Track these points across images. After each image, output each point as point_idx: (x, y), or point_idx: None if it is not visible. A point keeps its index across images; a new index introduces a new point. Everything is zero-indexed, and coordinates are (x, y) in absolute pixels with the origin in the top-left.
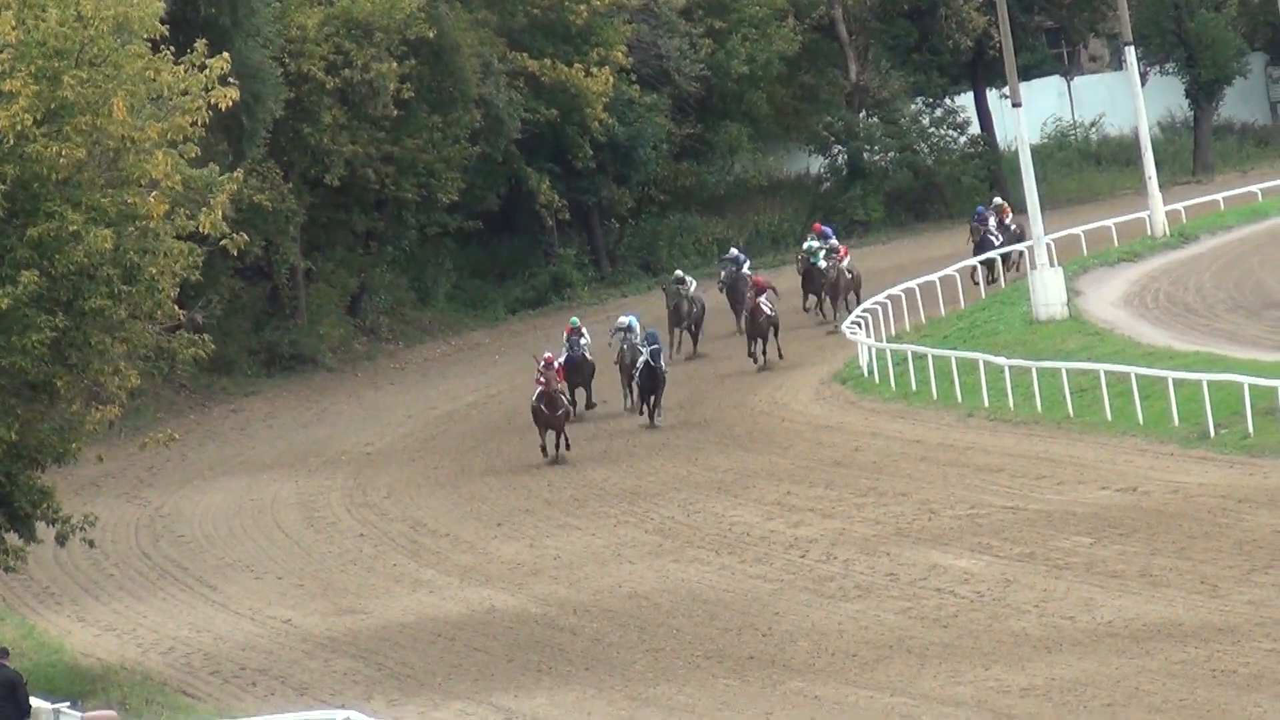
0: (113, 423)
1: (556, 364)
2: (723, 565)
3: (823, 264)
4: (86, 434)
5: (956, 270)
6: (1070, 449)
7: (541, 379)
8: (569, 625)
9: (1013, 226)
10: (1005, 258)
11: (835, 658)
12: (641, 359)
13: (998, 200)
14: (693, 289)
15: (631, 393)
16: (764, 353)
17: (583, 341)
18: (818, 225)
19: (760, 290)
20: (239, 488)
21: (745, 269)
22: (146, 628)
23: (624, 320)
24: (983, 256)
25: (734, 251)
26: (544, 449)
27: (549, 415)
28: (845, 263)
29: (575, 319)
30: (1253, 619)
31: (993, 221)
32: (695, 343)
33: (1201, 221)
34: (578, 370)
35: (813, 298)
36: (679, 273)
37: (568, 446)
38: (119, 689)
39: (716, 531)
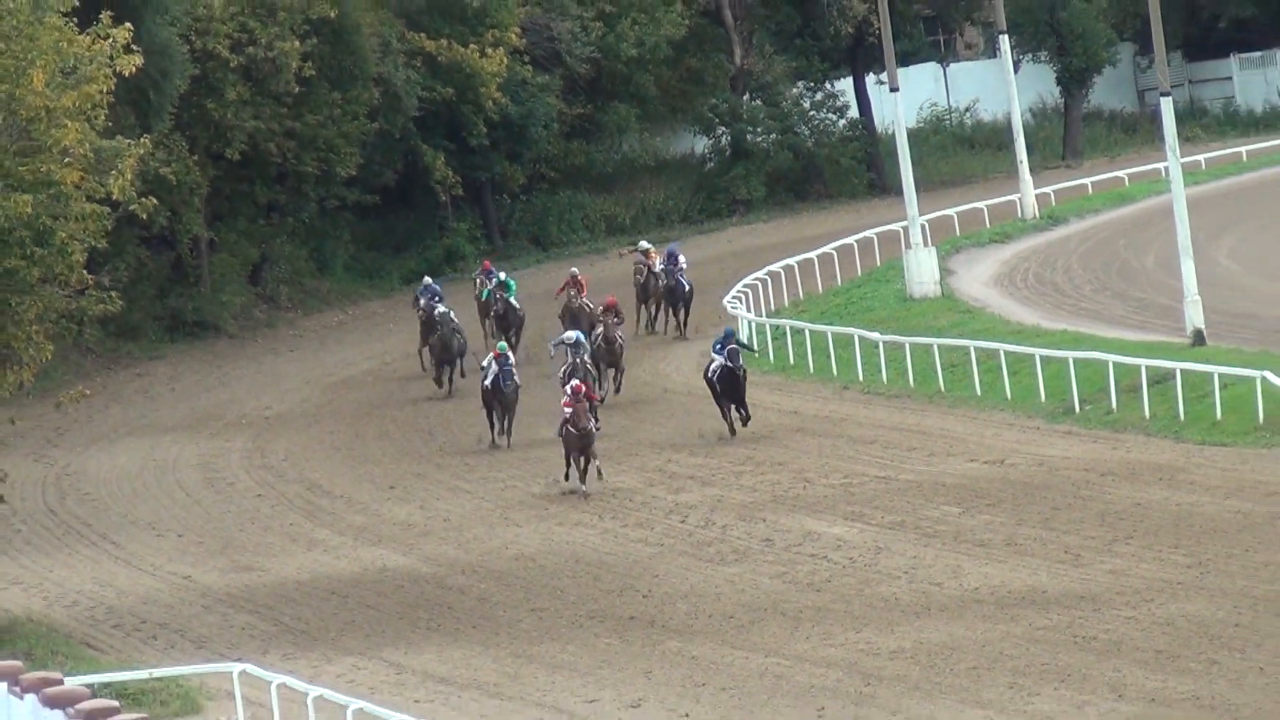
0: (23, 386)
1: (583, 390)
2: (605, 529)
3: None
4: (5, 391)
5: (834, 248)
6: (941, 422)
7: (570, 403)
8: (458, 584)
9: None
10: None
11: (712, 619)
12: (718, 362)
13: (644, 244)
14: (657, 264)
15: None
16: (583, 478)
17: (512, 366)
18: (487, 263)
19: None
20: (143, 448)
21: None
22: (52, 582)
23: (571, 335)
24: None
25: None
26: (567, 476)
27: (579, 440)
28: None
29: (503, 344)
30: (1113, 587)
31: (657, 262)
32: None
33: (1070, 205)
34: (504, 397)
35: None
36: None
37: (600, 476)
38: (25, 640)
39: (600, 496)
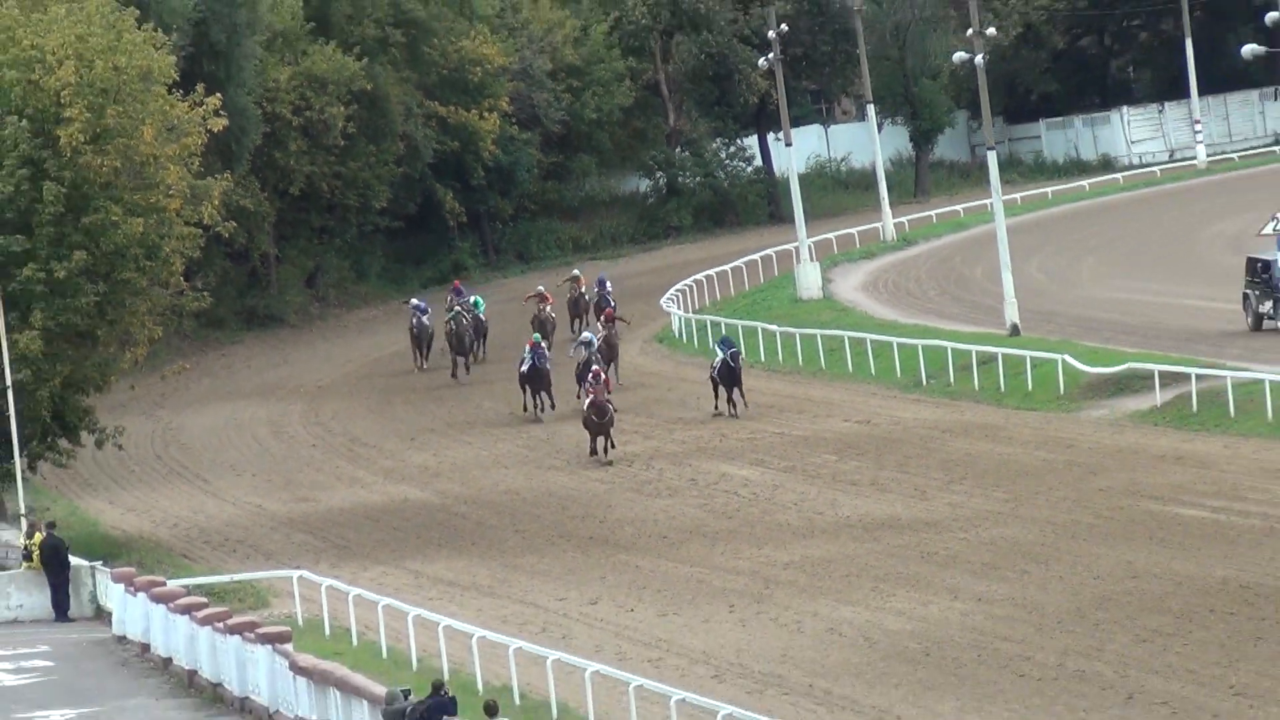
0: (138, 362)
1: (602, 376)
2: (571, 472)
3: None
4: (119, 370)
5: (743, 263)
6: (822, 392)
7: (592, 389)
8: (461, 512)
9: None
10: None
11: (651, 539)
12: (720, 359)
13: (575, 272)
14: (583, 287)
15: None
16: (605, 448)
17: (545, 353)
18: (457, 282)
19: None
20: (226, 410)
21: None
22: (158, 509)
23: (587, 336)
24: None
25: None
26: (593, 450)
27: (599, 422)
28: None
29: (537, 335)
30: (950, 516)
31: (583, 285)
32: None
33: (919, 231)
34: (540, 378)
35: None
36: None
37: (613, 445)
38: (137, 553)
39: (567, 448)
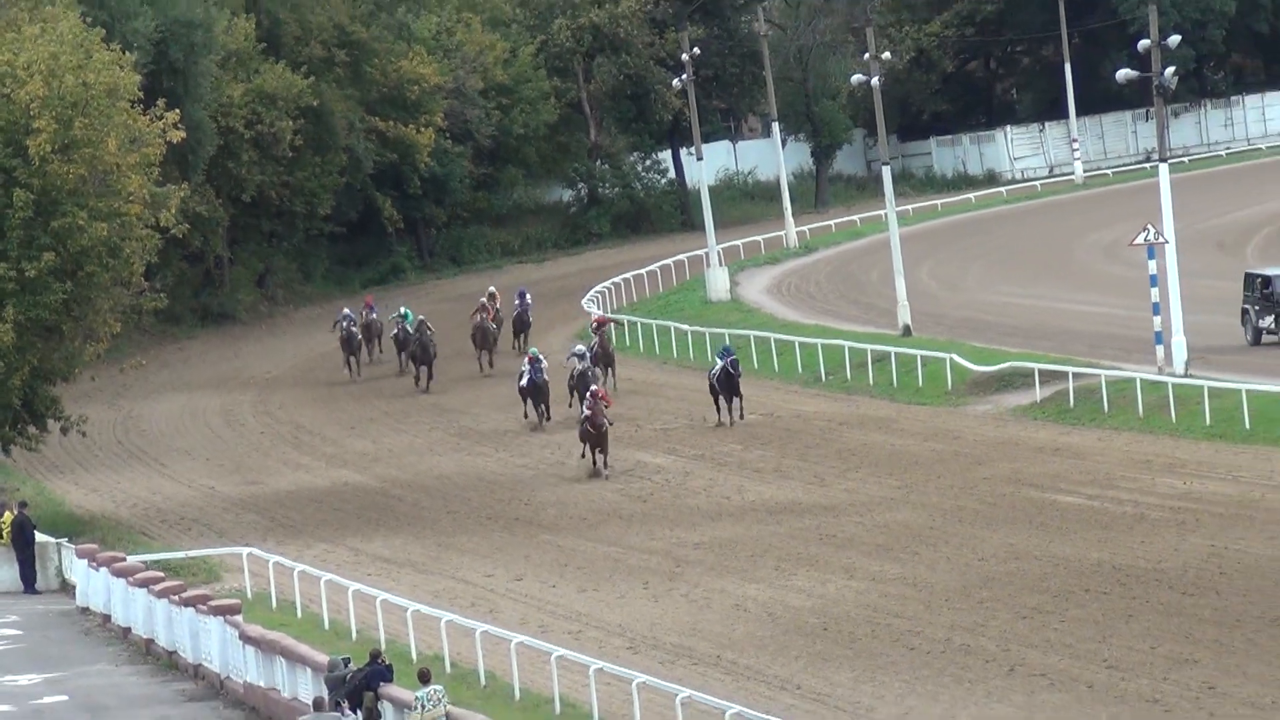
0: (100, 355)
1: (600, 393)
2: (499, 458)
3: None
4: (83, 362)
5: (657, 267)
6: (795, 400)
7: (591, 407)
8: (397, 495)
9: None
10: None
11: (572, 520)
12: (719, 366)
13: (492, 289)
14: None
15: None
16: (604, 464)
17: (543, 367)
18: (369, 299)
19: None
20: (181, 399)
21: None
22: (119, 490)
23: (580, 348)
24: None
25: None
26: (592, 464)
27: (595, 435)
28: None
29: (534, 349)
30: (847, 501)
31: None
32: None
33: (819, 239)
34: (539, 391)
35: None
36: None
37: (607, 465)
38: (100, 530)
39: (495, 436)
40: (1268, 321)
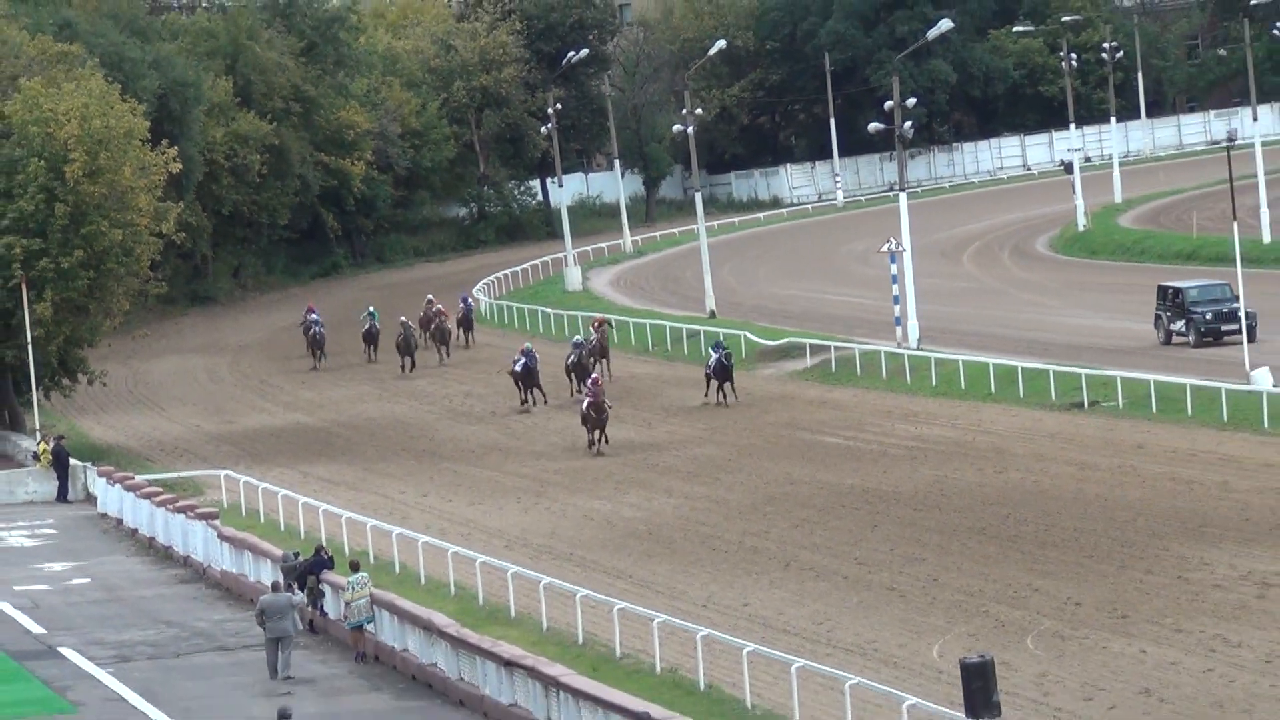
0: (115, 327)
1: (599, 381)
2: (410, 405)
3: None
4: (103, 332)
5: (529, 265)
6: (629, 365)
7: (591, 392)
8: (337, 433)
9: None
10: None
11: (464, 452)
12: (715, 357)
13: (430, 297)
14: (317, 321)
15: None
16: (604, 442)
17: (535, 354)
18: (311, 305)
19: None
20: (176, 360)
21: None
22: (129, 427)
23: (579, 339)
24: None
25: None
26: (591, 444)
27: (596, 418)
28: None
29: (529, 344)
30: (668, 440)
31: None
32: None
33: (649, 245)
34: (532, 376)
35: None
36: (430, 296)
37: (606, 441)
38: (115, 456)
39: (409, 391)
40: (1178, 325)
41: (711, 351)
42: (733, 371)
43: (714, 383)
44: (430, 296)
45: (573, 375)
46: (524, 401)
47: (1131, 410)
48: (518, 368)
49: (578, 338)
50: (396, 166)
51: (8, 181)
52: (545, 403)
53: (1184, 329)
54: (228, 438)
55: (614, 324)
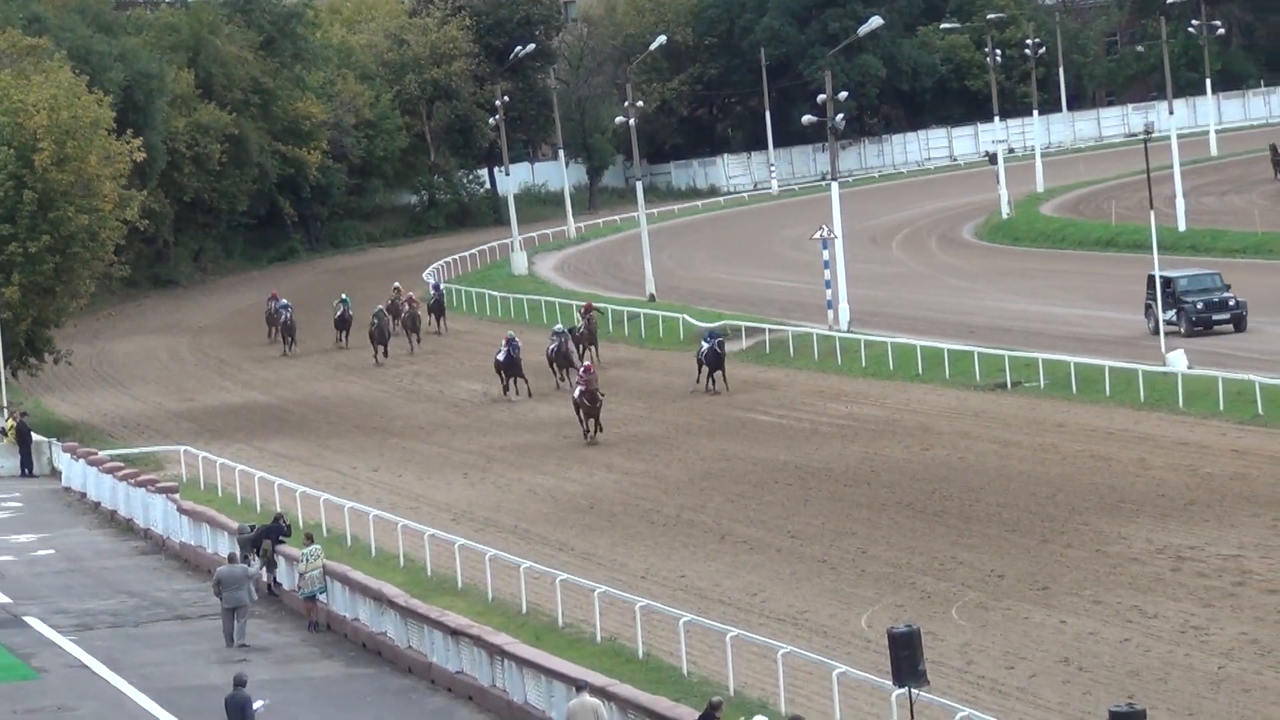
0: (81, 308)
1: (594, 369)
2: (364, 385)
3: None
4: (69, 313)
5: (478, 250)
6: (527, 336)
7: (583, 381)
8: (292, 409)
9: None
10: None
11: (413, 429)
12: (704, 349)
13: (396, 284)
14: (287, 308)
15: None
16: (598, 430)
17: (518, 344)
18: (275, 291)
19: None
20: (139, 340)
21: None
22: (93, 404)
23: (559, 328)
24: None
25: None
26: (585, 433)
27: (590, 406)
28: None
29: (512, 332)
30: (608, 418)
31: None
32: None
33: (592, 232)
34: (515, 365)
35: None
36: (396, 284)
37: (600, 429)
38: (79, 432)
39: (361, 369)
40: (1169, 314)
41: (704, 341)
42: (724, 360)
43: (705, 370)
44: (397, 285)
45: (554, 364)
46: (505, 390)
47: (1053, 390)
48: (500, 356)
49: (559, 326)
50: (351, 156)
51: None
52: (529, 394)
53: (1175, 318)
54: (187, 415)
55: (605, 311)
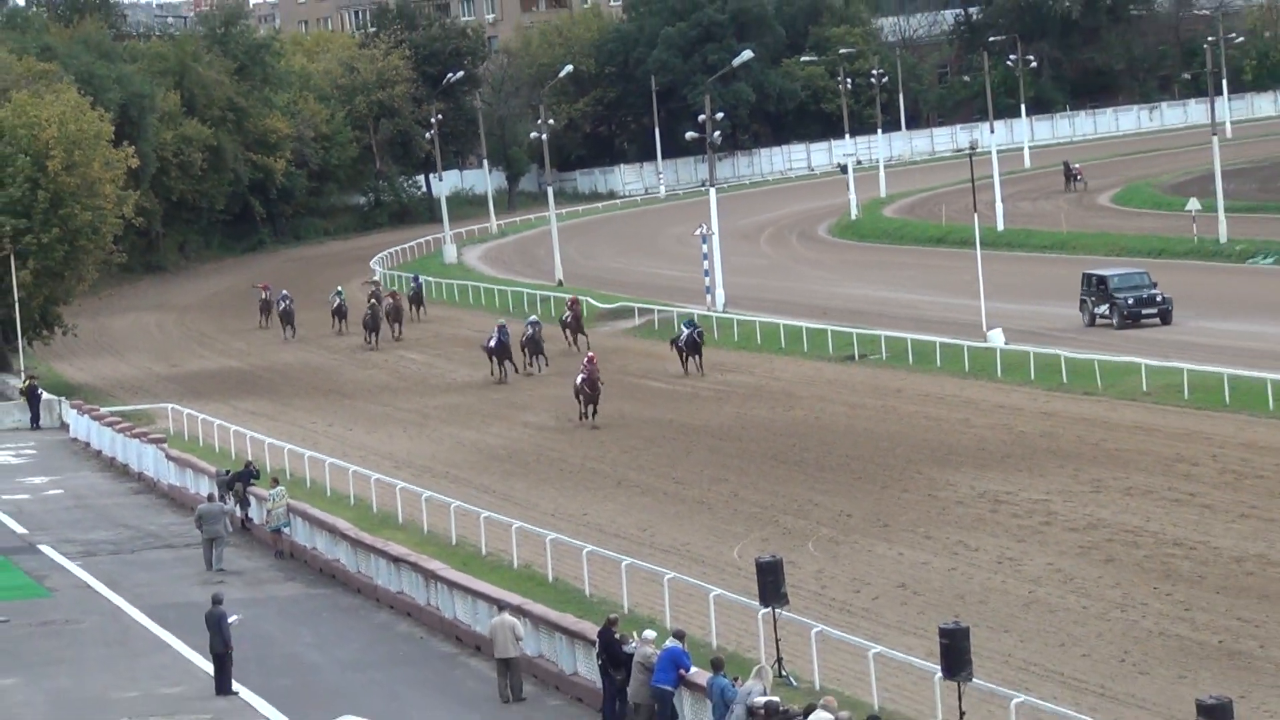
0: (85, 290)
1: (595, 359)
2: (323, 355)
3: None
4: (75, 294)
5: (417, 242)
6: (458, 315)
7: (585, 370)
8: (260, 374)
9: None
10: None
11: (362, 391)
12: (684, 335)
13: (375, 277)
14: (287, 297)
15: (526, 360)
16: (593, 415)
17: (508, 331)
18: (265, 284)
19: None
20: (132, 317)
21: (420, 282)
22: (95, 370)
23: (533, 318)
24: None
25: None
26: (582, 416)
27: (590, 394)
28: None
29: (502, 321)
30: (525, 384)
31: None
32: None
33: (511, 228)
34: (505, 351)
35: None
36: (375, 277)
37: (595, 413)
38: (84, 392)
39: (317, 340)
40: (1102, 309)
41: (684, 328)
42: (701, 347)
43: (685, 355)
44: (376, 279)
45: (526, 350)
46: (493, 373)
47: (893, 362)
48: (491, 344)
49: (533, 316)
50: (310, 163)
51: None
52: (516, 371)
53: (1108, 312)
54: (173, 378)
55: (582, 303)
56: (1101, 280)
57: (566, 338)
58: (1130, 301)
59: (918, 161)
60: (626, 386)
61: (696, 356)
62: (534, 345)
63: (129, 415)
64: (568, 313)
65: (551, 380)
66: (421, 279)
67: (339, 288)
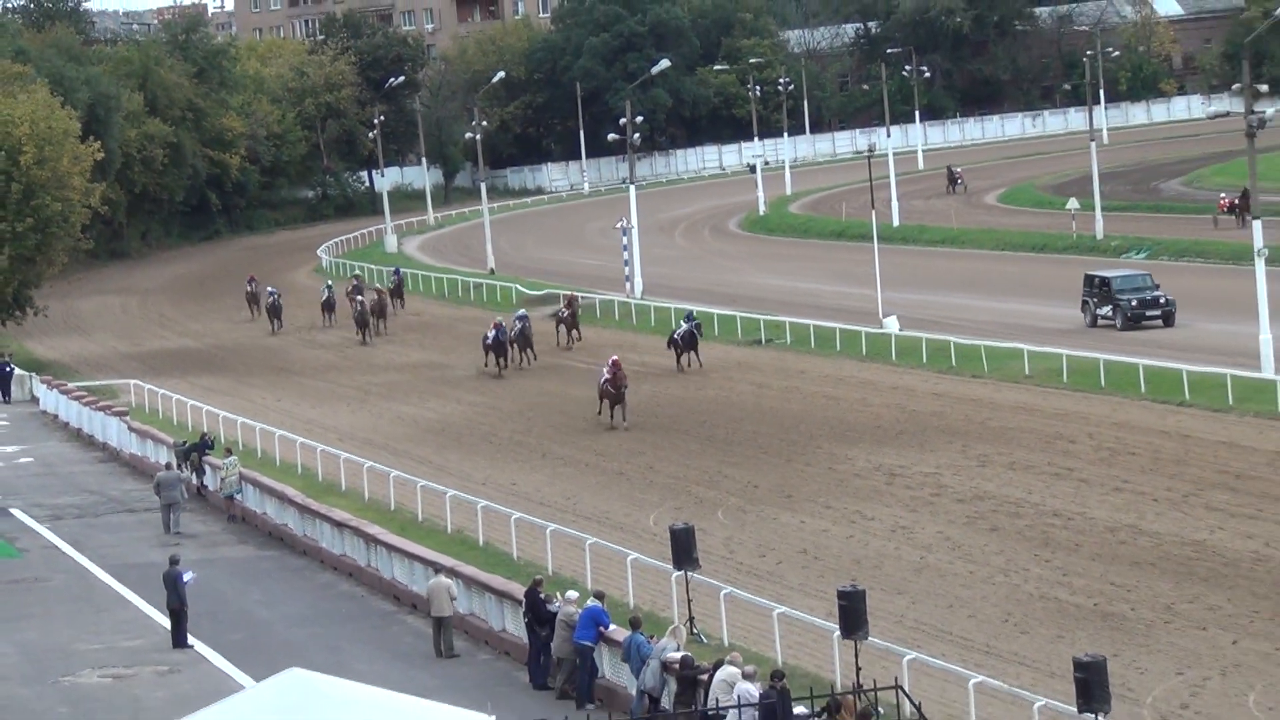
0: (55, 275)
1: (619, 362)
2: (276, 338)
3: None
4: (46, 278)
5: (362, 233)
6: (414, 304)
7: (611, 371)
8: (216, 354)
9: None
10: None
11: (310, 369)
12: (683, 329)
13: (358, 273)
14: (274, 293)
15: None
16: (623, 417)
17: (505, 328)
18: (253, 275)
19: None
20: (100, 300)
21: (401, 275)
22: (63, 348)
23: (521, 312)
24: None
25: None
26: (605, 414)
27: (615, 393)
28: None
29: (500, 318)
30: (457, 363)
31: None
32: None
33: (448, 220)
34: (501, 346)
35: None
36: (358, 273)
37: (624, 417)
38: (53, 369)
39: (291, 326)
40: (1104, 310)
41: (683, 322)
42: (698, 341)
43: (680, 349)
44: (358, 274)
45: (515, 344)
46: (486, 365)
47: (796, 346)
48: (488, 339)
49: (521, 311)
50: (262, 160)
51: None
52: (506, 365)
53: (1110, 314)
54: (136, 357)
55: (578, 299)
56: (1104, 282)
57: (558, 334)
58: (1134, 303)
59: (820, 163)
60: (551, 367)
61: (692, 352)
62: (523, 339)
63: (95, 390)
64: (565, 310)
65: (478, 361)
66: (402, 271)
67: (328, 282)
